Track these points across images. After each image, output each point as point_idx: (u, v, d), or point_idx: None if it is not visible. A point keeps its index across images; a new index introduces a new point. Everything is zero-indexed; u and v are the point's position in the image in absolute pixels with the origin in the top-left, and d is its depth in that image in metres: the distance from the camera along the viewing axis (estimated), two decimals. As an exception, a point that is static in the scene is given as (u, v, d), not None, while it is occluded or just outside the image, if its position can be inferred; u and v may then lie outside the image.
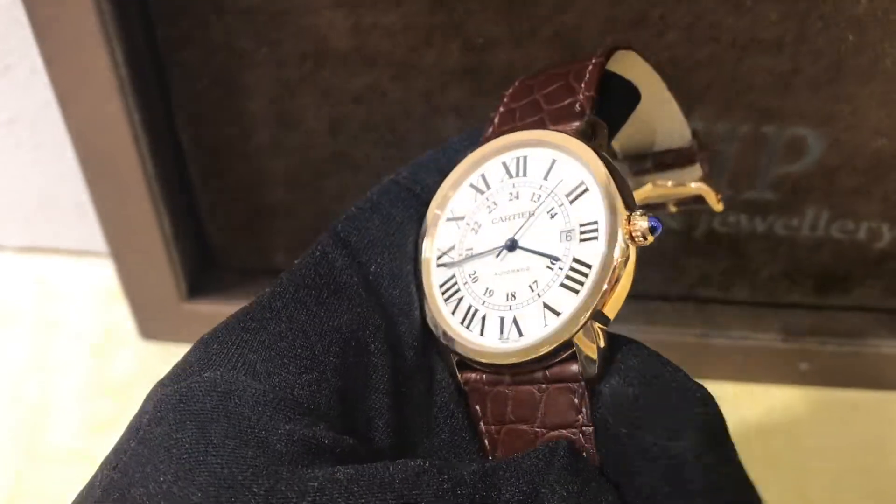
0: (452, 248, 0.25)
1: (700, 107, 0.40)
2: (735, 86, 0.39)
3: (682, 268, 0.47)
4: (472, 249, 0.25)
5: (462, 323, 0.24)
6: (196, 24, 0.40)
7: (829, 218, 0.44)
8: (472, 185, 0.26)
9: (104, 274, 0.54)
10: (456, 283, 0.25)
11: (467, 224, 0.25)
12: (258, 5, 0.38)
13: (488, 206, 0.25)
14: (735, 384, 0.49)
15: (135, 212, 0.44)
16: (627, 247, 0.23)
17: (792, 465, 0.46)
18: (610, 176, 0.23)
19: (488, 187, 0.26)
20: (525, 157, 0.25)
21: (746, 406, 0.48)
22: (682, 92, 0.39)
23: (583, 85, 0.26)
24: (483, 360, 0.24)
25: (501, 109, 0.27)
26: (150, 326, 0.51)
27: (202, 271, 0.50)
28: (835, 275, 0.46)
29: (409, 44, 0.39)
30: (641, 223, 0.23)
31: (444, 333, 0.25)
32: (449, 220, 0.26)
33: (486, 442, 0.24)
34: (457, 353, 0.24)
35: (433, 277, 0.25)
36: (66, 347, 0.52)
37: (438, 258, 0.26)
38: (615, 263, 0.23)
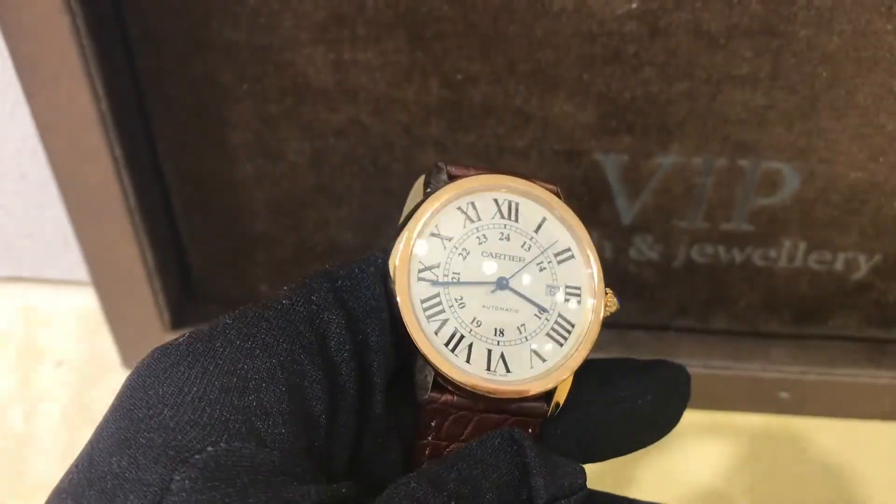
0: (437, 265, 0.26)
1: (676, 141, 0.40)
2: (711, 120, 0.40)
3: (661, 298, 0.47)
4: (459, 275, 0.26)
5: (447, 345, 0.25)
6: (177, 58, 0.40)
7: (807, 249, 0.44)
8: (460, 209, 0.26)
9: (89, 303, 0.54)
10: (440, 304, 0.25)
11: (455, 247, 0.26)
12: (238, 41, 0.39)
13: (478, 238, 0.26)
14: (715, 413, 0.49)
15: (117, 243, 0.45)
16: (601, 317, 0.26)
17: (772, 494, 0.46)
18: (594, 250, 0.27)
19: (479, 218, 0.26)
20: (518, 204, 0.27)
21: (727, 435, 0.49)
22: (658, 127, 0.40)
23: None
24: (468, 387, 0.25)
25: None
26: (134, 357, 0.51)
27: (185, 302, 0.50)
28: (813, 305, 0.47)
29: (389, 79, 0.39)
30: (613, 300, 0.27)
31: (428, 353, 0.25)
32: (433, 235, 0.26)
33: (425, 452, 0.26)
34: (437, 374, 0.25)
35: (413, 289, 0.25)
36: (50, 377, 0.53)
37: (420, 271, 0.26)
38: (597, 334, 0.26)
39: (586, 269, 0.27)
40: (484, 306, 0.26)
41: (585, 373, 0.27)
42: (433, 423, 0.25)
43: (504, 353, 0.25)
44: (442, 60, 0.39)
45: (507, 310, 0.26)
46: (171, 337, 0.49)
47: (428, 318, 0.25)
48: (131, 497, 0.20)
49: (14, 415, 0.50)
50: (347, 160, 0.43)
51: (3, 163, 0.51)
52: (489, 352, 0.25)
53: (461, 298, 0.26)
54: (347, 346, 0.23)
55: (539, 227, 0.27)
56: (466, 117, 0.41)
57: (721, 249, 0.45)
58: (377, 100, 0.40)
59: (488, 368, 0.25)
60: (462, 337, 0.25)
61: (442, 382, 0.25)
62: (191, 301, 0.50)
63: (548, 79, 0.39)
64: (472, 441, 0.24)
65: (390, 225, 0.45)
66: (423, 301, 0.25)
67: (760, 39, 0.37)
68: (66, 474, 0.21)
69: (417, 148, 0.42)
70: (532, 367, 0.26)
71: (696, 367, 0.48)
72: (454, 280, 0.26)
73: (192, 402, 0.21)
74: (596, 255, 0.27)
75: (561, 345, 0.26)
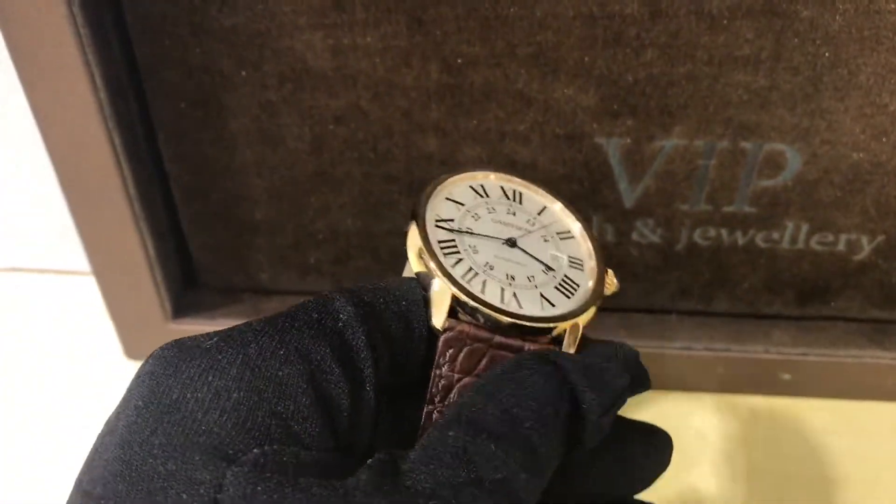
0: (452, 220, 0.28)
1: (678, 124, 0.40)
2: (713, 102, 0.40)
3: (662, 281, 0.47)
4: (472, 229, 0.28)
5: (463, 277, 0.26)
6: (174, 45, 0.40)
7: (809, 231, 0.44)
8: (471, 187, 0.29)
9: (90, 293, 0.54)
10: (456, 246, 0.27)
11: (468, 211, 0.28)
12: (237, 27, 0.39)
13: (488, 209, 0.29)
14: (717, 395, 0.49)
15: (117, 233, 0.44)
16: (602, 295, 0.27)
17: (774, 475, 0.46)
18: (594, 237, 0.29)
19: (488, 195, 0.29)
20: (521, 193, 0.30)
21: (729, 417, 0.49)
22: (660, 109, 0.40)
23: None
24: (484, 311, 0.25)
25: None
26: (136, 346, 0.51)
27: (186, 291, 0.50)
28: (815, 286, 0.47)
29: (388, 64, 0.39)
30: (613, 280, 0.28)
31: (443, 277, 0.26)
32: (448, 199, 0.28)
33: (440, 385, 0.26)
34: (455, 298, 0.26)
35: (430, 233, 0.27)
36: (51, 367, 0.52)
37: (437, 221, 0.27)
38: (597, 301, 0.27)
39: (586, 249, 0.29)
40: (496, 256, 0.27)
41: None
42: (448, 353, 0.26)
43: (516, 293, 0.26)
44: (442, 44, 0.38)
45: (517, 263, 0.27)
46: (172, 326, 0.49)
47: (445, 254, 0.26)
48: (184, 496, 0.20)
49: (16, 406, 0.50)
50: (347, 146, 0.42)
51: (1, 152, 0.50)
52: (502, 290, 0.26)
53: (475, 246, 0.27)
54: (370, 363, 0.24)
55: (541, 212, 0.29)
56: (467, 102, 0.40)
57: (723, 232, 0.45)
58: (377, 85, 0.40)
59: (502, 301, 0.26)
60: (476, 273, 0.26)
61: (458, 309, 0.26)
62: (192, 289, 0.50)
63: (549, 62, 0.39)
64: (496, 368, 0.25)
65: (391, 210, 0.45)
66: (440, 241, 0.27)
67: (762, 20, 0.37)
68: (96, 479, 0.21)
69: (417, 133, 0.42)
70: (542, 309, 0.26)
71: (699, 350, 0.48)
72: (468, 231, 0.27)
73: (235, 408, 0.21)
74: (596, 240, 0.29)
75: (569, 297, 0.27)
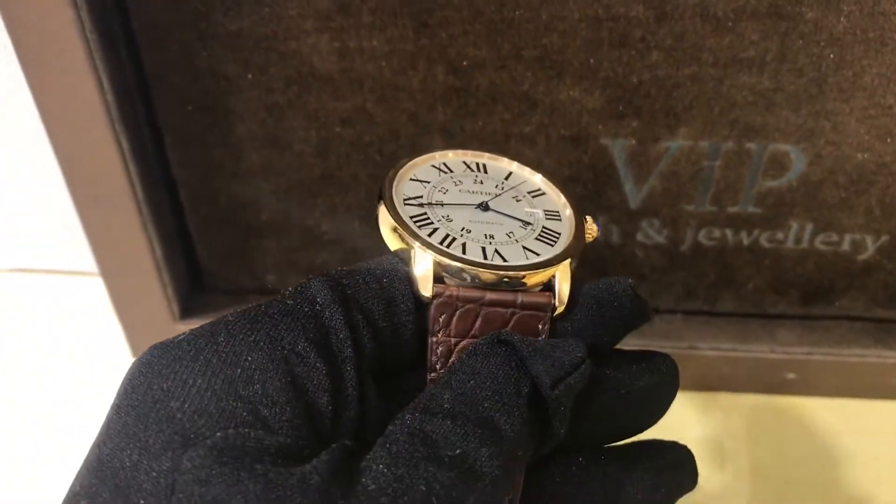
0: (420, 196, 0.28)
1: (684, 125, 0.40)
2: (718, 104, 0.40)
3: (668, 281, 0.47)
4: (441, 202, 0.28)
5: (441, 243, 0.26)
6: (181, 49, 0.40)
7: (813, 231, 0.44)
8: (433, 166, 0.29)
9: (98, 293, 0.54)
10: (429, 218, 0.27)
11: (434, 186, 0.28)
12: (242, 30, 0.39)
13: (454, 181, 0.29)
14: (723, 394, 0.49)
15: (125, 236, 0.45)
16: (584, 239, 0.28)
17: (779, 474, 0.46)
18: (563, 191, 0.29)
19: (452, 171, 0.29)
20: (485, 164, 0.30)
21: (734, 416, 0.49)
22: (665, 111, 0.40)
23: None
24: (469, 270, 0.25)
25: None
26: (144, 348, 0.51)
27: (194, 293, 0.50)
28: (820, 286, 0.47)
29: (395, 67, 0.39)
30: (593, 226, 0.28)
31: (422, 247, 0.26)
32: (413, 179, 0.28)
33: (438, 351, 0.26)
34: (437, 264, 0.26)
35: (401, 211, 0.27)
36: (59, 368, 0.53)
37: (405, 200, 0.27)
38: (581, 245, 0.27)
39: (561, 201, 0.29)
40: (471, 220, 0.27)
41: (599, 359, 0.26)
42: (441, 318, 0.26)
43: (498, 249, 0.26)
44: (447, 47, 0.39)
45: (493, 223, 0.27)
46: (180, 328, 0.49)
47: (419, 226, 0.26)
48: (145, 486, 0.20)
49: (24, 407, 0.51)
50: (354, 148, 0.43)
51: (9, 154, 0.51)
52: (483, 248, 0.26)
53: (448, 215, 0.27)
54: (350, 343, 0.24)
55: (508, 176, 0.30)
56: (473, 104, 0.41)
57: (728, 232, 0.45)
58: (383, 87, 0.40)
59: (485, 258, 0.26)
60: (454, 239, 0.26)
61: (443, 274, 0.26)
62: (199, 291, 0.50)
63: (554, 64, 0.39)
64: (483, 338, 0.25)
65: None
66: (411, 217, 0.27)
67: (767, 22, 0.37)
68: (77, 477, 0.22)
69: (424, 135, 0.42)
70: (528, 259, 0.26)
71: (704, 350, 0.48)
72: (438, 203, 0.27)
73: (199, 394, 0.21)
74: (568, 194, 0.29)
75: (552, 245, 0.27)
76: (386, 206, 0.27)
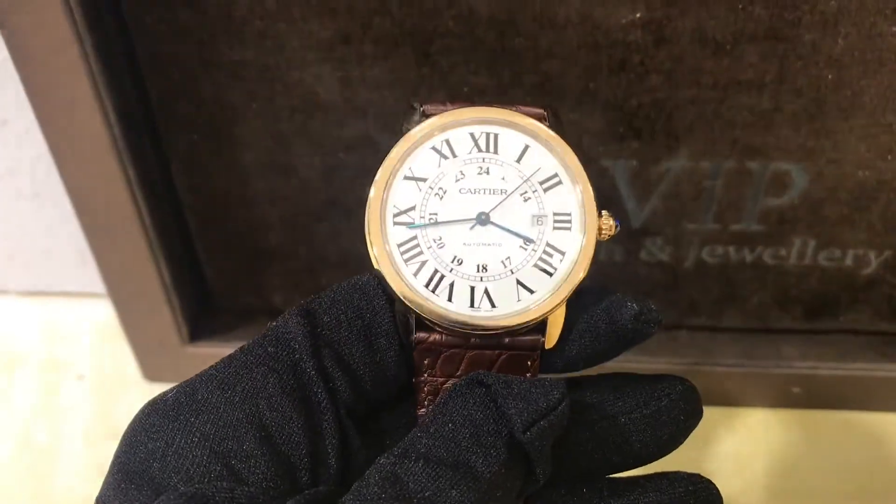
0: (413, 208, 0.25)
1: (684, 145, 0.41)
2: (718, 125, 0.40)
3: (672, 299, 0.48)
4: (436, 215, 0.25)
5: (427, 286, 0.25)
6: (186, 79, 0.40)
7: (816, 247, 0.45)
8: (434, 149, 0.26)
9: (108, 315, 0.55)
10: (418, 246, 0.25)
11: (430, 188, 0.25)
12: (246, 61, 0.39)
13: (455, 175, 0.25)
14: (729, 409, 0.50)
15: (133, 261, 0.45)
16: (597, 241, 0.25)
17: (786, 488, 0.47)
18: (584, 173, 0.25)
19: (454, 155, 0.26)
20: (496, 135, 0.26)
21: (741, 430, 0.49)
22: (665, 132, 0.40)
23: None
24: (451, 326, 0.25)
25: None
26: (154, 370, 0.52)
27: (202, 315, 0.51)
28: (824, 301, 0.47)
29: (397, 95, 0.40)
30: (609, 221, 0.25)
31: (405, 296, 0.25)
32: (407, 178, 0.25)
33: (425, 389, 0.26)
34: (419, 315, 0.25)
35: (390, 234, 0.25)
36: (72, 390, 0.53)
37: (396, 216, 0.25)
38: (592, 255, 0.25)
39: (576, 193, 0.26)
40: (465, 244, 0.25)
41: (599, 384, 0.26)
42: (426, 363, 0.26)
43: (488, 289, 0.25)
44: (449, 75, 0.39)
45: (489, 245, 0.25)
46: (189, 350, 0.50)
47: (406, 261, 0.25)
48: None
49: (37, 429, 0.51)
50: (358, 174, 0.43)
51: (18, 181, 0.51)
52: (472, 289, 0.25)
53: (440, 239, 0.25)
54: (327, 396, 0.25)
55: (521, 155, 0.26)
56: (475, 129, 0.41)
57: (731, 250, 0.45)
58: (386, 115, 0.41)
59: (472, 305, 0.25)
60: (442, 277, 0.25)
61: (427, 324, 0.25)
62: (208, 314, 0.51)
63: (554, 88, 0.39)
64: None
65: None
66: (399, 245, 0.25)
67: (766, 44, 0.37)
68: None
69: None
70: (519, 300, 0.25)
71: (709, 365, 0.48)
72: (431, 221, 0.25)
73: (176, 453, 0.23)
74: (586, 178, 0.26)
75: (550, 274, 0.25)
76: (371, 240, 0.25)
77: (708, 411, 0.49)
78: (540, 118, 0.26)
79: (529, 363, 0.26)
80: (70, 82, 0.38)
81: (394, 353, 0.25)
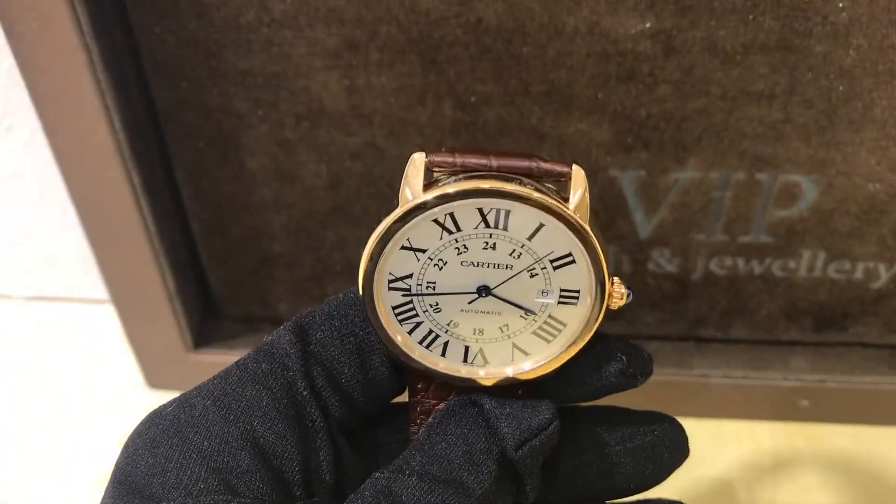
0: (409, 276, 0.24)
1: (693, 156, 0.40)
2: (727, 136, 0.40)
3: (680, 310, 0.47)
4: (434, 284, 0.24)
5: (421, 343, 0.25)
6: (192, 87, 0.40)
7: (826, 259, 0.44)
8: (436, 221, 0.23)
9: (112, 321, 0.55)
10: (414, 310, 0.25)
11: (430, 259, 0.24)
12: (252, 69, 0.39)
13: (457, 248, 0.24)
14: (736, 422, 0.49)
15: (138, 268, 0.45)
16: (606, 310, 0.25)
17: (793, 502, 0.46)
18: (601, 250, 0.24)
19: (458, 230, 0.23)
20: (508, 212, 0.23)
21: (749, 443, 0.49)
22: (674, 143, 0.40)
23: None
24: (443, 377, 0.25)
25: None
26: (158, 377, 0.51)
27: (207, 322, 0.51)
28: (833, 313, 0.47)
29: (403, 103, 0.39)
30: (621, 289, 0.24)
31: (401, 350, 0.25)
32: (405, 248, 0.24)
33: (418, 409, 0.26)
34: (414, 368, 0.25)
35: (384, 297, 0.24)
36: (74, 396, 0.53)
37: (391, 282, 0.24)
38: (597, 325, 0.25)
39: (590, 272, 0.24)
40: (462, 311, 0.24)
41: (590, 415, 0.27)
42: (419, 386, 0.26)
43: (483, 349, 0.25)
44: (455, 83, 0.39)
45: (488, 313, 0.24)
46: (194, 357, 0.49)
47: (401, 321, 0.25)
48: None
49: (39, 435, 0.51)
50: (364, 182, 0.43)
51: (23, 187, 0.51)
52: (466, 347, 0.25)
53: (437, 304, 0.24)
54: (320, 414, 0.25)
55: (534, 234, 0.23)
56: (481, 138, 0.41)
57: (740, 261, 0.45)
58: (392, 123, 0.40)
59: (465, 361, 0.25)
60: (437, 336, 0.25)
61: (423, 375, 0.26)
62: (212, 321, 0.51)
63: (562, 98, 0.39)
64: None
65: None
66: (394, 307, 0.24)
67: (776, 55, 0.37)
68: None
69: (433, 168, 0.42)
70: (514, 360, 0.25)
71: (717, 377, 0.48)
72: (429, 290, 0.24)
73: (174, 468, 0.23)
74: (605, 256, 0.24)
75: (548, 341, 0.25)
76: (365, 300, 0.24)
77: (715, 423, 0.49)
78: (563, 176, 0.24)
79: (520, 391, 0.26)
80: (76, 90, 0.38)
81: (386, 371, 0.26)
